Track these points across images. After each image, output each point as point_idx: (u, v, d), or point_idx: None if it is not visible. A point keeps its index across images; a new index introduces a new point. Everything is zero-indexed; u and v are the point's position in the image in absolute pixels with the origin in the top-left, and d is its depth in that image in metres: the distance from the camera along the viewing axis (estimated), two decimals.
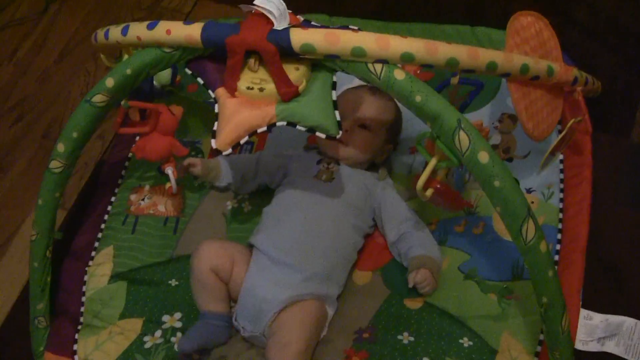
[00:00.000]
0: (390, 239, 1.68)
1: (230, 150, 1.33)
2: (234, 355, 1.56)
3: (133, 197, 1.87)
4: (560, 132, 1.66)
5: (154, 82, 1.91)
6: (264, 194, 1.79)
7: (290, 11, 1.34)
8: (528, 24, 1.48)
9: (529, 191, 1.69)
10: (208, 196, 1.86)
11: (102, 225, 1.84)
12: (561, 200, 1.66)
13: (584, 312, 1.48)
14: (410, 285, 1.58)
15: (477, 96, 1.69)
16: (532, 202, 1.67)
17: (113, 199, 1.88)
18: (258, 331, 1.55)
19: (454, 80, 1.35)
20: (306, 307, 1.55)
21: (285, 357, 1.46)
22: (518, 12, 1.48)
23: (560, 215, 1.64)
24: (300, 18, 1.35)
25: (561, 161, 1.72)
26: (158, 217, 1.83)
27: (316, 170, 1.70)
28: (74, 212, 1.92)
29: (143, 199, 1.85)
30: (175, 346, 1.60)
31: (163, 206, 1.83)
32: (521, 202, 1.26)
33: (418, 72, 1.91)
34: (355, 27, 1.28)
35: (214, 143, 1.33)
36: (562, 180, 1.69)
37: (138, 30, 1.37)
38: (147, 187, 1.87)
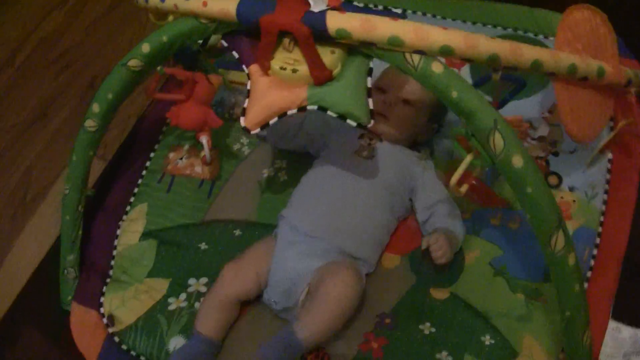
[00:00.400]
0: (421, 219, 1.65)
1: (258, 130, 1.30)
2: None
3: (171, 155, 1.86)
4: (612, 129, 1.60)
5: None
6: (301, 164, 1.76)
7: None
8: (583, 20, 1.40)
9: (571, 189, 1.63)
10: (244, 162, 1.84)
11: (139, 181, 1.84)
12: (604, 202, 1.60)
13: (612, 324, 1.43)
14: (424, 246, 1.55)
15: (525, 87, 1.62)
16: (574, 201, 1.61)
17: (152, 154, 1.87)
18: (291, 303, 1.54)
19: (495, 77, 1.30)
20: (343, 265, 1.51)
21: (336, 308, 1.44)
22: (573, 6, 1.40)
23: (601, 219, 1.58)
24: None
25: (609, 161, 1.65)
26: (194, 179, 1.82)
27: (357, 145, 1.66)
28: (113, 164, 1.91)
29: (181, 158, 1.84)
30: None
31: (200, 168, 1.82)
32: (553, 210, 1.23)
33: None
34: (399, 11, 1.23)
35: (242, 121, 1.31)
36: (607, 181, 1.62)
37: None
38: (186, 147, 1.86)
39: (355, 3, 1.29)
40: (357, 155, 1.65)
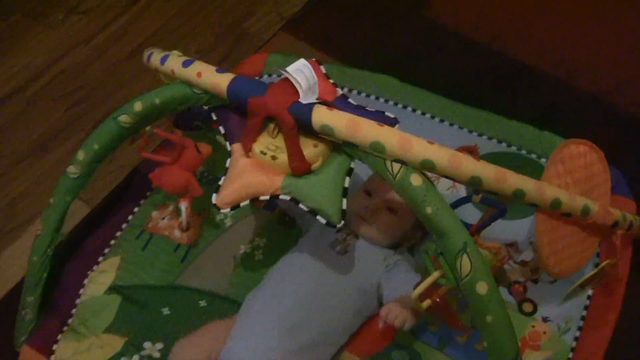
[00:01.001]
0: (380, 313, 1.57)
1: (228, 210, 1.29)
2: None
3: (155, 213, 1.84)
4: (596, 265, 1.57)
5: None
6: (279, 245, 1.75)
7: (332, 81, 1.29)
8: (578, 154, 1.38)
9: (545, 320, 1.59)
10: (224, 234, 1.82)
11: (118, 234, 1.81)
12: (576, 339, 1.56)
13: None
14: (380, 324, 1.53)
15: (505, 214, 1.60)
16: (545, 332, 1.57)
17: (136, 209, 1.85)
18: None
19: (476, 199, 1.27)
20: None
21: None
22: (570, 140, 1.38)
23: (570, 355, 1.54)
24: (339, 91, 1.30)
25: (589, 297, 1.61)
26: (171, 242, 1.80)
27: (333, 238, 1.63)
28: (97, 211, 1.90)
29: (163, 218, 1.82)
30: None
31: (179, 232, 1.79)
32: (511, 345, 1.20)
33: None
34: (392, 116, 1.22)
35: (214, 198, 1.30)
36: (582, 318, 1.58)
37: (174, 64, 1.35)
38: (170, 207, 1.84)
39: (350, 100, 1.27)
40: (330, 248, 1.62)
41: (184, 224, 1.68)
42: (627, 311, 1.56)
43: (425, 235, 1.74)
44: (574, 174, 1.36)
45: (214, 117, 1.36)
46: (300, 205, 1.25)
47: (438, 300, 1.33)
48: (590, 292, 1.61)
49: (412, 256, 1.72)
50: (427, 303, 1.33)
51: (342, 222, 1.25)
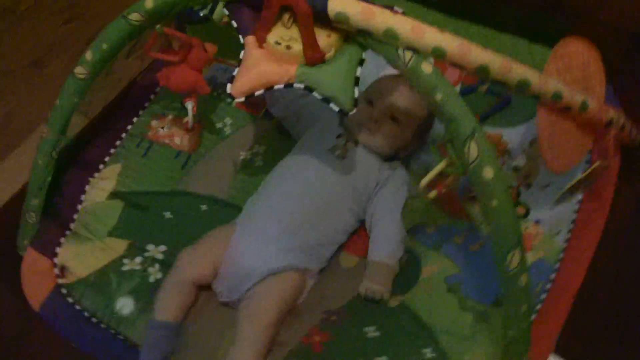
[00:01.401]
0: (366, 225, 1.69)
1: (242, 99, 1.32)
2: (210, 326, 1.57)
3: (154, 122, 1.87)
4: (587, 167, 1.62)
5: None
6: (279, 152, 1.79)
7: None
8: (577, 52, 1.42)
9: (537, 222, 1.65)
10: (224, 142, 1.87)
11: (117, 142, 1.84)
12: (566, 240, 1.60)
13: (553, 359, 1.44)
14: (361, 294, 1.58)
15: (513, 112, 1.65)
16: (537, 234, 1.63)
17: (135, 119, 1.88)
18: (235, 297, 1.56)
19: (482, 88, 1.32)
20: (286, 279, 1.55)
21: (255, 327, 1.46)
22: (570, 37, 1.42)
23: (561, 256, 1.59)
24: None
25: (579, 202, 1.66)
26: (172, 149, 1.84)
27: (333, 142, 1.68)
28: (95, 123, 1.91)
29: (163, 127, 1.85)
30: (150, 277, 1.61)
31: (179, 139, 1.83)
32: (514, 228, 1.24)
33: (463, 74, 1.87)
34: (400, 10, 1.26)
35: (229, 88, 1.33)
36: (573, 221, 1.63)
37: None
38: (170, 117, 1.88)
39: None
40: (330, 153, 1.67)
41: (190, 122, 1.71)
42: (614, 216, 1.62)
43: (421, 146, 1.79)
44: (573, 71, 1.40)
45: (226, 12, 1.38)
46: (314, 93, 1.29)
47: (444, 190, 1.38)
48: (580, 197, 1.66)
49: (406, 167, 1.77)
50: (433, 194, 1.38)
51: (355, 109, 1.29)
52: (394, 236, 1.64)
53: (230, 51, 1.58)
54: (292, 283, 1.56)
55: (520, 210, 1.66)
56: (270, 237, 1.57)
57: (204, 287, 1.60)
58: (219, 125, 1.88)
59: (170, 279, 1.58)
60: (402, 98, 1.68)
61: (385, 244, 1.63)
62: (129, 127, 1.87)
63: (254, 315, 1.49)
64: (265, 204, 1.62)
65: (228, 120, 1.88)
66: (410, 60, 1.22)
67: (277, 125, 1.88)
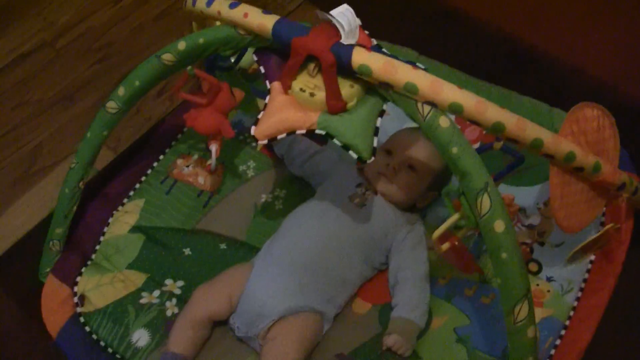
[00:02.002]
0: (389, 281, 1.71)
1: (265, 142, 1.38)
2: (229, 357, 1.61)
3: (179, 161, 1.93)
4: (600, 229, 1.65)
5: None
6: (300, 197, 1.83)
7: (367, 32, 1.38)
8: (592, 117, 1.47)
9: (549, 279, 1.69)
10: (246, 184, 1.91)
11: (142, 178, 1.90)
12: (577, 299, 1.64)
13: None
14: (383, 348, 1.60)
15: (529, 171, 1.70)
16: (548, 291, 1.66)
17: (161, 157, 1.94)
18: (252, 334, 1.60)
19: (497, 145, 1.37)
20: (306, 319, 1.59)
21: None
22: (585, 102, 1.47)
23: (571, 313, 1.62)
24: (374, 42, 1.39)
25: (591, 261, 1.69)
26: (194, 188, 1.89)
27: (352, 191, 1.73)
28: (122, 158, 1.98)
29: (188, 166, 1.91)
30: (167, 311, 1.66)
31: (203, 179, 1.88)
32: (522, 280, 1.29)
33: (484, 132, 1.91)
34: (422, 67, 1.31)
35: (253, 130, 1.39)
36: (584, 281, 1.67)
37: (220, 5, 1.44)
38: (195, 157, 1.93)
39: (384, 50, 1.36)
40: (349, 201, 1.71)
41: (213, 165, 1.77)
42: (625, 277, 1.65)
43: (437, 198, 1.83)
44: (587, 135, 1.45)
45: (255, 58, 1.45)
46: (335, 140, 1.34)
47: (456, 243, 1.42)
48: (592, 257, 1.69)
49: (423, 219, 1.82)
50: (445, 246, 1.43)
51: (373, 158, 1.34)
52: (424, 298, 1.66)
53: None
54: (312, 324, 1.59)
55: (533, 266, 1.70)
56: (286, 276, 1.61)
57: (219, 323, 1.64)
58: (242, 167, 1.93)
59: (185, 314, 1.62)
60: (420, 148, 1.73)
61: (416, 305, 1.64)
62: (155, 164, 1.93)
63: (281, 353, 1.53)
64: (282, 244, 1.66)
65: (251, 164, 1.94)
66: (428, 114, 1.28)
67: None
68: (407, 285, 1.66)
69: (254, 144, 1.97)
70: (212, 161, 1.76)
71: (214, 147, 1.74)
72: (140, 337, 1.62)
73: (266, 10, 1.39)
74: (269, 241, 1.72)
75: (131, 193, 1.87)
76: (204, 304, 1.62)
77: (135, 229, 1.80)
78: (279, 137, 1.37)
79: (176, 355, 1.56)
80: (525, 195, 1.80)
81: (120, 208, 1.84)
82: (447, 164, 1.68)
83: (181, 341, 1.58)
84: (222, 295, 1.63)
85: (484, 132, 1.87)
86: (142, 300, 1.68)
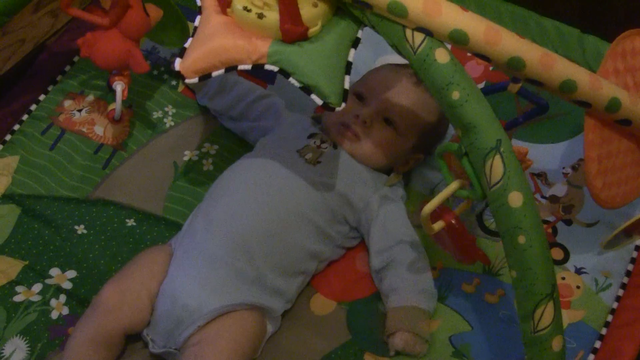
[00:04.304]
0: (373, 266, 1.72)
1: (195, 80, 1.38)
2: None
3: (67, 103, 1.92)
4: None
5: None
6: (235, 154, 1.86)
7: None
8: None
9: (578, 271, 1.72)
10: (162, 136, 1.92)
11: (16, 127, 1.89)
12: (617, 299, 1.68)
13: None
14: (392, 353, 1.63)
15: (552, 122, 1.72)
16: (578, 287, 1.70)
17: (42, 97, 1.93)
18: (172, 347, 1.60)
19: (513, 88, 1.38)
20: (241, 319, 1.59)
21: None
22: (635, 30, 1.48)
23: (609, 318, 1.66)
24: None
25: (636, 248, 1.74)
26: (90, 141, 1.89)
27: (303, 143, 1.74)
28: None
29: (80, 110, 1.91)
30: (53, 312, 1.66)
31: (102, 128, 1.89)
32: (547, 274, 1.30)
33: (490, 68, 1.93)
34: None
35: (177, 63, 1.39)
36: (628, 274, 1.71)
37: None
38: (90, 97, 1.93)
39: None
40: (299, 156, 1.73)
41: (117, 112, 1.75)
42: None
43: (426, 158, 1.86)
44: (637, 74, 1.47)
45: None
46: (291, 79, 1.35)
47: (453, 221, 1.44)
48: (638, 241, 1.73)
49: (405, 186, 1.85)
50: (439, 225, 1.44)
51: (343, 104, 1.36)
52: (427, 278, 1.69)
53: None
54: (249, 326, 1.59)
55: (557, 253, 1.74)
56: (216, 262, 1.61)
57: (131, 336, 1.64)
58: (157, 114, 1.94)
59: (86, 327, 1.59)
60: (403, 95, 1.74)
61: (421, 288, 1.67)
62: (33, 106, 1.92)
63: None
64: (209, 219, 1.66)
65: (170, 109, 1.94)
66: (421, 45, 1.29)
67: None
68: (403, 265, 1.68)
69: (174, 83, 1.98)
70: (117, 104, 1.75)
71: (119, 86, 1.72)
72: (15, 348, 1.62)
73: None
74: (192, 214, 1.72)
75: None
76: (117, 314, 1.59)
77: (6, 198, 1.80)
78: (214, 73, 1.37)
79: None
80: (546, 155, 1.84)
81: None
82: (440, 117, 1.73)
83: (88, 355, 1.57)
84: (140, 299, 1.61)
85: (492, 68, 1.91)
86: (17, 298, 1.68)
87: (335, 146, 1.75)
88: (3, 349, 1.61)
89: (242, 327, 1.58)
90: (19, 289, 1.69)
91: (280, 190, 1.68)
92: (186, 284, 1.60)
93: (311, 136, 1.76)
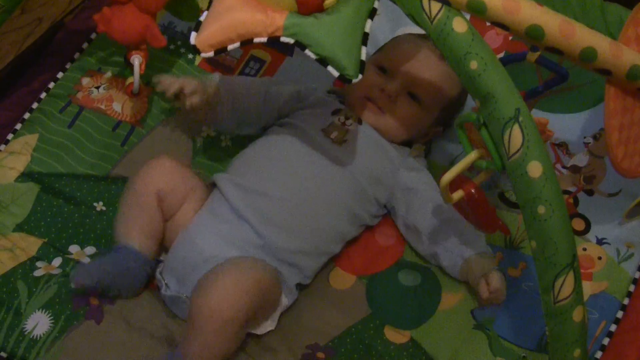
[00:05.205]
0: (424, 231, 1.70)
1: (211, 54, 1.38)
2: (144, 317, 1.62)
3: (86, 81, 1.92)
4: None
5: None
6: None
7: None
8: None
9: (600, 242, 1.72)
10: (181, 112, 1.90)
11: (34, 105, 1.89)
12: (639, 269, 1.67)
13: None
14: (485, 296, 1.61)
15: (573, 93, 1.71)
16: (600, 258, 1.69)
17: (60, 75, 1.92)
18: (183, 293, 1.60)
19: (531, 57, 1.37)
20: (255, 265, 1.57)
21: (212, 325, 1.47)
22: None
23: (631, 288, 1.65)
24: None
25: None
26: (109, 118, 1.89)
27: (328, 122, 1.73)
28: (3, 77, 1.95)
29: (97, 87, 1.90)
30: (72, 283, 1.64)
31: (120, 105, 1.88)
32: (567, 245, 1.29)
33: (510, 38, 1.92)
34: None
35: (193, 37, 1.38)
36: None
37: None
38: (108, 74, 1.92)
39: None
40: (324, 136, 1.72)
41: (135, 85, 1.76)
42: None
43: (445, 130, 1.85)
44: None
45: None
46: (307, 52, 1.34)
47: (473, 191, 1.43)
48: None
49: (425, 157, 1.85)
50: (458, 195, 1.44)
51: (360, 76, 1.35)
52: (469, 228, 1.67)
53: None
54: (264, 275, 1.56)
55: (578, 224, 1.73)
56: (245, 227, 1.62)
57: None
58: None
59: (129, 193, 1.66)
60: (427, 68, 1.73)
61: (476, 237, 1.67)
62: (51, 84, 1.91)
63: (210, 307, 1.47)
64: (238, 189, 1.66)
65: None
66: (438, 14, 1.28)
67: None
68: (459, 221, 1.64)
69: (191, 57, 1.97)
70: (135, 79, 1.75)
71: (136, 60, 1.72)
72: (38, 322, 1.61)
73: None
74: (218, 176, 1.71)
75: (18, 127, 1.85)
76: (154, 179, 1.66)
77: (26, 176, 1.80)
78: (230, 47, 1.36)
79: (131, 249, 1.60)
80: (566, 125, 1.83)
81: (2, 147, 1.83)
82: (461, 90, 1.72)
83: (133, 229, 1.63)
84: (180, 178, 1.69)
85: (512, 39, 1.90)
86: (37, 273, 1.67)
87: (360, 121, 1.74)
88: (25, 324, 1.60)
89: (255, 271, 1.55)
90: (39, 264, 1.69)
91: (304, 171, 1.69)
92: (209, 237, 1.62)
93: (335, 112, 1.75)
